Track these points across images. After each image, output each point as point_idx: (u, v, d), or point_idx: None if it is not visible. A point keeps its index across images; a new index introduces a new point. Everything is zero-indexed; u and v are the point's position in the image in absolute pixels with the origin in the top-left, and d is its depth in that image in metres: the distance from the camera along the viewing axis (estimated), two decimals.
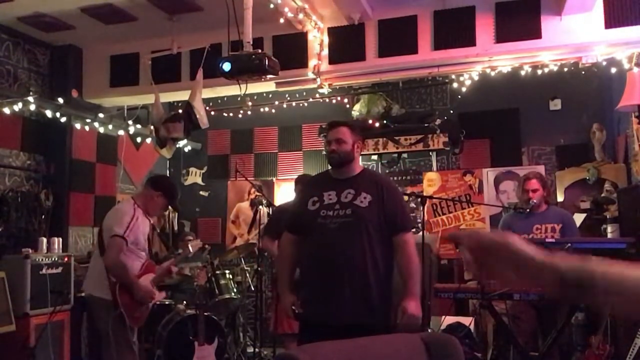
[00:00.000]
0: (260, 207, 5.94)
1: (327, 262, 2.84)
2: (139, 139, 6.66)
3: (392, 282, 2.96)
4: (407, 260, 2.90)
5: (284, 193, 6.95)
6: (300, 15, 4.87)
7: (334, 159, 3.01)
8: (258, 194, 6.20)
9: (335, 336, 2.18)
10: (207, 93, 5.46)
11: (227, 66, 3.52)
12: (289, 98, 6.29)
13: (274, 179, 7.10)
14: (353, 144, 3.03)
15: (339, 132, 3.03)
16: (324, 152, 6.45)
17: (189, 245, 4.25)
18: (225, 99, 6.35)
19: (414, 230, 3.09)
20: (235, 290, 5.44)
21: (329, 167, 3.14)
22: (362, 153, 6.21)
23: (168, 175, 7.44)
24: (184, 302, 5.20)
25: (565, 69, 5.04)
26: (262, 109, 6.37)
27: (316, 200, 2.96)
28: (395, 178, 6.40)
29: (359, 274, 2.81)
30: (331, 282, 2.82)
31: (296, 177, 5.36)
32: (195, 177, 7.47)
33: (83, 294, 3.95)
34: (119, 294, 3.54)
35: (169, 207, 4.11)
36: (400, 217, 2.96)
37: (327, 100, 6.18)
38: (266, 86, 5.52)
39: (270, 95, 6.28)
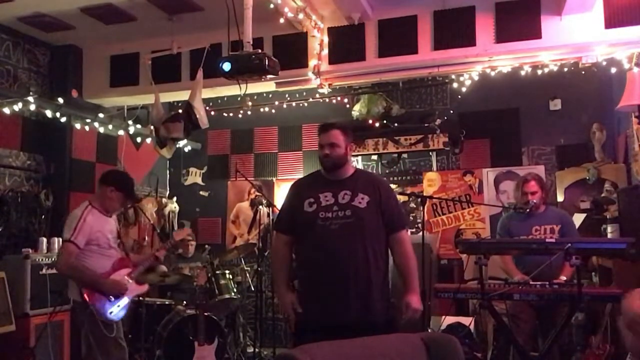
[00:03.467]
0: (260, 207, 5.95)
1: (330, 262, 2.86)
2: (139, 139, 6.66)
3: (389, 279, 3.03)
4: (406, 257, 2.99)
5: (284, 193, 6.93)
6: (300, 15, 4.86)
7: (328, 163, 3.03)
8: (258, 194, 6.20)
9: (337, 335, 2.20)
10: (207, 93, 5.46)
11: (227, 66, 3.52)
12: (289, 98, 6.29)
13: (274, 179, 7.10)
14: (346, 146, 3.04)
15: (331, 136, 3.02)
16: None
17: (174, 235, 4.49)
18: (225, 99, 6.35)
19: (413, 230, 3.11)
20: (235, 290, 5.44)
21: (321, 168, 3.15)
22: (362, 153, 6.32)
23: (168, 175, 7.45)
24: (184, 302, 5.20)
25: (565, 69, 5.04)
26: (262, 109, 6.37)
27: (312, 201, 2.97)
28: (395, 178, 6.41)
29: (362, 273, 2.86)
30: (335, 282, 2.85)
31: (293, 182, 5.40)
32: (195, 177, 7.46)
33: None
34: (87, 293, 3.60)
35: (128, 200, 4.08)
36: (397, 216, 3.04)
37: (327, 100, 6.19)
38: (266, 86, 5.52)
39: (270, 95, 6.28)
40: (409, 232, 3.10)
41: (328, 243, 2.88)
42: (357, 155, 6.37)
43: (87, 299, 3.58)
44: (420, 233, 4.11)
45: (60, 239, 5.01)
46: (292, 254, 3.10)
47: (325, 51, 5.17)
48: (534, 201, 4.06)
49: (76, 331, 4.91)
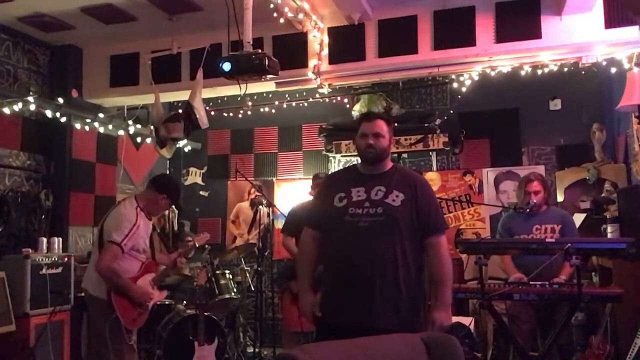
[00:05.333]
0: (260, 207, 5.95)
1: (355, 263, 2.66)
2: (139, 139, 6.66)
3: (424, 285, 2.82)
4: (440, 264, 2.72)
5: (284, 193, 6.95)
6: (300, 15, 4.87)
7: (371, 154, 2.80)
8: (258, 194, 6.20)
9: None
10: (207, 93, 5.46)
11: (227, 66, 3.52)
12: (289, 98, 6.29)
13: (274, 179, 7.10)
14: (389, 138, 2.86)
15: (377, 125, 2.81)
16: (324, 152, 6.51)
17: (195, 241, 4.39)
18: (225, 99, 6.35)
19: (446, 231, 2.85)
20: (235, 290, 5.45)
21: (358, 162, 2.98)
22: None
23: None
24: (184, 302, 5.20)
25: (565, 69, 5.04)
26: (262, 109, 6.38)
27: (343, 196, 2.76)
28: None
29: (390, 277, 2.64)
30: (359, 284, 2.64)
31: (313, 175, 5.33)
32: (195, 177, 7.47)
33: (82, 294, 3.91)
34: (115, 297, 3.53)
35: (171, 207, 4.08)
36: (434, 218, 2.77)
37: (327, 100, 6.19)
38: (266, 86, 5.53)
39: (270, 95, 6.28)
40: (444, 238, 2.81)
41: (354, 241, 2.66)
42: (357, 155, 6.36)
43: (115, 305, 3.52)
44: None
45: (57, 239, 5.08)
46: (319, 251, 2.88)
47: (325, 51, 5.17)
48: (534, 201, 4.05)
49: (76, 331, 4.94)
